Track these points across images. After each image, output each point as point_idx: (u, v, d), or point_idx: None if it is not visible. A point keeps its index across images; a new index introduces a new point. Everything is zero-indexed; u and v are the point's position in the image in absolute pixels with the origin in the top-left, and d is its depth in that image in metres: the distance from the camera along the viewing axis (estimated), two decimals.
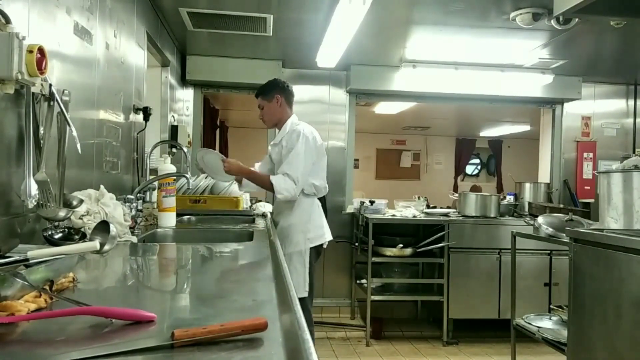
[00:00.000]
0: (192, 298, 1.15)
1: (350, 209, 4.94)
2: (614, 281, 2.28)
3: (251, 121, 7.97)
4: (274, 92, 2.97)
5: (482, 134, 9.78)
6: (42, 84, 1.45)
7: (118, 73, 2.52)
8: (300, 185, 2.80)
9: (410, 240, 4.41)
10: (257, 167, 3.17)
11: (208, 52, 4.48)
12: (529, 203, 4.80)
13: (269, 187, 2.82)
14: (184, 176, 2.80)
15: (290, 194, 2.78)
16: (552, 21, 3.17)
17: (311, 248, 2.89)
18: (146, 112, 2.97)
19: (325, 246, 3.03)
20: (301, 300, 2.81)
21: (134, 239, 1.82)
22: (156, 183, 2.60)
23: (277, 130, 3.05)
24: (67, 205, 1.58)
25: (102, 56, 2.23)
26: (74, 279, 1.08)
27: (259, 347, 0.74)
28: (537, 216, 3.72)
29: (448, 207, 5.02)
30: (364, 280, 4.45)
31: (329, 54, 4.10)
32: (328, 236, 3.02)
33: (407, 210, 4.46)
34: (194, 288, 1.26)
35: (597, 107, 5.30)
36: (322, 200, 3.12)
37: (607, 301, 2.32)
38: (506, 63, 4.43)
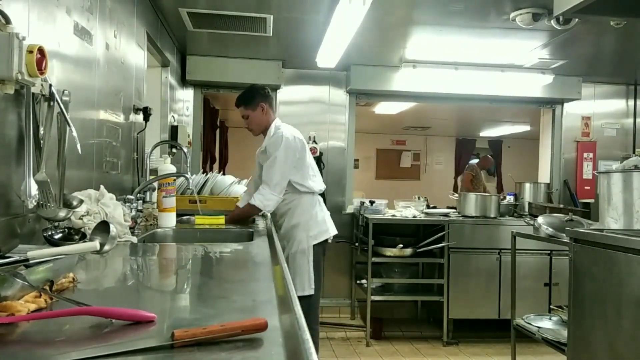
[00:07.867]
0: (192, 298, 1.15)
1: (350, 209, 4.94)
2: (614, 281, 2.28)
3: None
4: (258, 100, 2.94)
5: (482, 134, 9.78)
6: (42, 84, 1.45)
7: (118, 73, 2.52)
8: (279, 188, 2.79)
9: (410, 241, 4.41)
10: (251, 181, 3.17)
11: (208, 52, 4.48)
12: (529, 203, 4.79)
13: (256, 210, 2.79)
14: (184, 176, 2.81)
15: (273, 202, 2.78)
16: (552, 21, 3.17)
17: (316, 245, 2.89)
18: (146, 112, 2.97)
19: (330, 241, 3.02)
20: (307, 298, 2.81)
21: (134, 239, 1.82)
22: (156, 183, 2.60)
23: (262, 136, 3.01)
24: (67, 205, 1.58)
25: (102, 56, 2.23)
26: (74, 279, 1.08)
27: (259, 347, 0.75)
28: (537, 216, 3.71)
29: (448, 207, 5.02)
30: (364, 281, 4.45)
31: (329, 54, 4.10)
32: (332, 230, 3.01)
33: (407, 210, 4.45)
34: (194, 288, 1.26)
35: (597, 107, 5.29)
36: (323, 199, 3.12)
37: (607, 301, 2.32)
38: (506, 63, 4.43)
